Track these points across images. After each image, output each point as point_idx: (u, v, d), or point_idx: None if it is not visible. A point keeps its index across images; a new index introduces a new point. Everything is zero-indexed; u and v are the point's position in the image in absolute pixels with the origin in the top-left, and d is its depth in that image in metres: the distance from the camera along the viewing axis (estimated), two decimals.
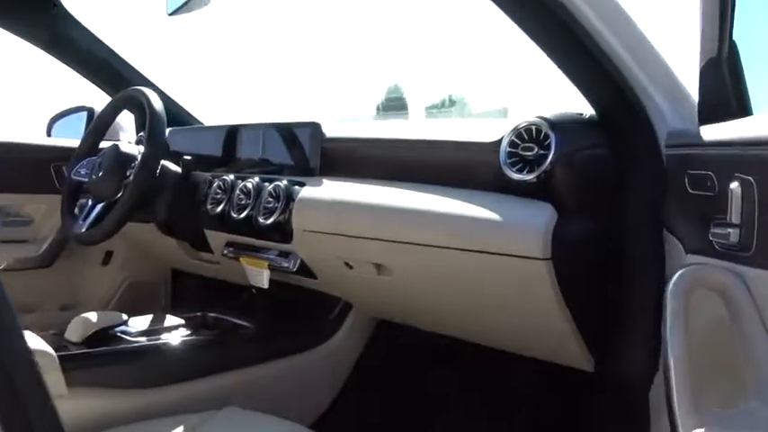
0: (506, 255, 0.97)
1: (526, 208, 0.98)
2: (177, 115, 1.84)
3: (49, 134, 2.00)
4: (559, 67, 0.96)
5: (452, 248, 1.03)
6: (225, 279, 1.71)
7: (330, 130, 1.38)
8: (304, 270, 1.33)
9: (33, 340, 1.04)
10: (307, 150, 1.39)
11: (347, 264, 1.23)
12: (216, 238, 1.52)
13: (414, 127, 1.35)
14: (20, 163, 1.73)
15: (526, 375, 1.33)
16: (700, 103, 0.94)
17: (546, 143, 0.97)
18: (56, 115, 2.01)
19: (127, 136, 1.92)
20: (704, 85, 0.94)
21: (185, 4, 1.27)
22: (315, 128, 1.37)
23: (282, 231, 1.30)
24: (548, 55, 0.94)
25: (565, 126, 0.99)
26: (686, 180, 0.86)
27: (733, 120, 0.87)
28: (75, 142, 1.72)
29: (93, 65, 1.77)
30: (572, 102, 1.06)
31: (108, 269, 1.88)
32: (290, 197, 1.29)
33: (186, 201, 1.55)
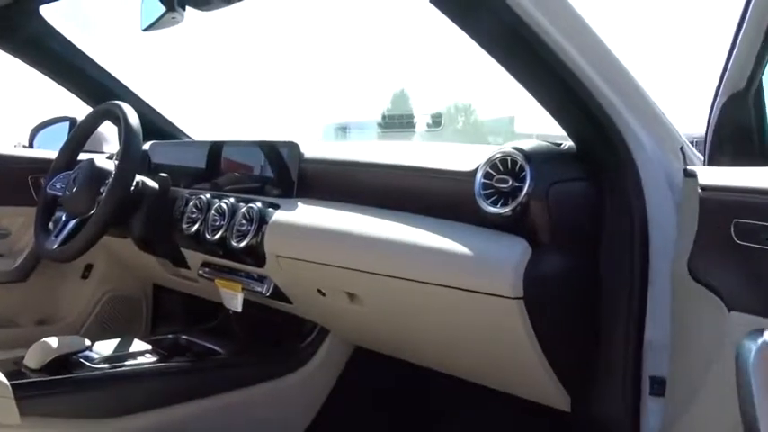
0: (476, 292, 0.93)
1: (498, 243, 0.94)
2: (162, 129, 1.81)
3: (31, 144, 1.97)
4: (536, 98, 0.92)
5: (422, 282, 0.99)
6: (204, 297, 1.68)
7: (309, 150, 1.34)
8: (278, 295, 1.30)
9: None
10: (284, 170, 1.35)
11: (320, 291, 1.19)
12: (192, 257, 1.48)
13: (395, 150, 1.31)
14: None
15: (502, 411, 1.28)
16: (712, 141, 0.90)
17: (521, 175, 0.94)
18: (38, 125, 1.98)
19: (110, 147, 1.89)
20: (721, 122, 0.89)
21: (157, 20, 1.24)
22: (293, 148, 1.34)
23: (255, 255, 1.26)
24: (523, 85, 0.91)
25: (540, 158, 0.95)
26: (732, 229, 0.77)
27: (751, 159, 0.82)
28: (53, 154, 1.69)
29: (75, 76, 1.74)
30: None
31: (87, 282, 1.84)
32: (262, 220, 1.25)
33: (163, 218, 1.51)
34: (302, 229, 1.19)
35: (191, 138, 1.89)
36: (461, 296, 0.94)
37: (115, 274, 1.87)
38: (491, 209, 0.95)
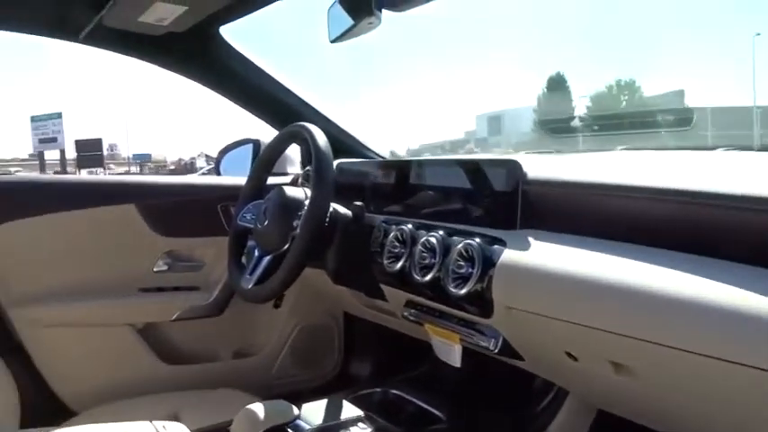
0: None
1: None
2: (349, 147, 1.65)
3: (217, 168, 1.92)
4: None
5: (733, 363, 0.69)
6: (404, 332, 1.49)
7: (532, 169, 1.08)
8: (507, 350, 1.06)
9: None
10: (503, 195, 1.11)
11: (570, 355, 0.93)
12: (394, 295, 1.30)
13: (650, 166, 1.01)
14: (189, 204, 1.64)
15: None
16: None
17: None
18: (223, 149, 1.93)
19: (295, 168, 1.78)
20: None
21: (350, 29, 1.06)
22: (513, 166, 1.08)
23: (479, 304, 1.03)
24: None
25: None
26: None
27: None
28: (240, 180, 1.61)
29: (256, 97, 1.63)
30: None
31: (279, 313, 1.75)
32: (487, 261, 1.01)
33: (358, 250, 1.35)
34: (542, 276, 0.93)
35: (382, 157, 1.72)
36: None
37: (306, 303, 1.76)
38: None
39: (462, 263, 1.05)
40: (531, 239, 1.00)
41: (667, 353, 0.76)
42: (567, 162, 1.30)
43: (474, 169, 1.19)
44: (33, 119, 24.94)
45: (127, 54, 1.55)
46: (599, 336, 0.85)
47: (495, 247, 1.02)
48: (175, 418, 1.31)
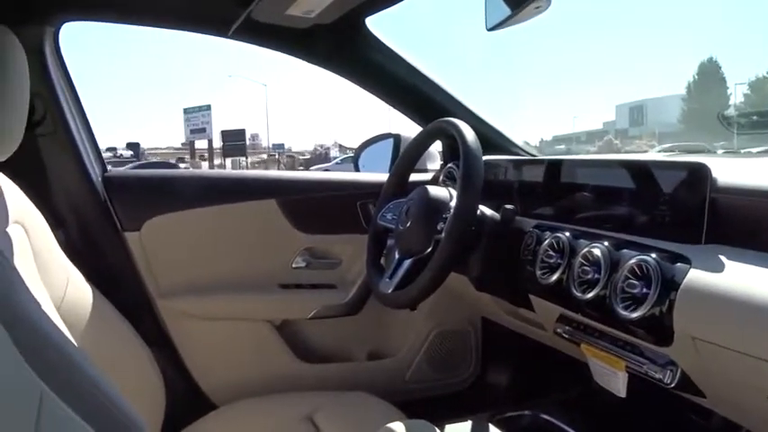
0: None
1: None
2: (496, 144, 1.54)
3: (356, 164, 1.88)
4: None
5: None
6: (549, 345, 1.37)
7: (723, 175, 0.92)
8: (686, 385, 0.90)
9: None
10: (685, 203, 0.95)
11: None
12: (545, 308, 1.18)
13: None
14: (328, 201, 1.62)
15: None
16: None
17: None
18: (363, 143, 1.89)
19: (435, 165, 1.70)
20: None
21: (511, 16, 0.95)
22: (699, 171, 0.93)
23: (656, 331, 0.89)
24: None
25: None
26: None
27: None
28: (381, 177, 1.55)
29: (402, 91, 1.57)
30: None
31: (415, 316, 1.67)
32: (668, 282, 0.87)
33: (506, 257, 1.24)
34: (739, 304, 0.77)
35: (532, 155, 1.59)
36: None
37: (444, 307, 1.68)
38: None
39: (635, 281, 0.91)
40: (722, 258, 0.84)
41: None
42: (757, 165, 1.11)
43: (647, 171, 1.04)
44: (186, 111, 27.08)
45: (274, 48, 1.55)
46: None
47: (678, 265, 0.87)
48: (311, 418, 1.28)
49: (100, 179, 1.43)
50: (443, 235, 1.16)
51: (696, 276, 0.84)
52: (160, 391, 1.24)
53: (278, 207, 1.55)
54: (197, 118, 26.65)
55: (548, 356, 1.46)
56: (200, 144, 28.14)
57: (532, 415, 1.12)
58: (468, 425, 1.04)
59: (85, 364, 0.58)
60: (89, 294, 1.14)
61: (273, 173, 2.09)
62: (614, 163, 1.14)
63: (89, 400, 0.54)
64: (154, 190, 1.50)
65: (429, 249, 1.22)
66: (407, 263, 1.26)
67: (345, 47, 1.51)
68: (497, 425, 1.04)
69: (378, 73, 1.55)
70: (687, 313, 0.83)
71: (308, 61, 1.55)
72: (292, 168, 28.37)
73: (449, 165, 1.59)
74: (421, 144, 1.38)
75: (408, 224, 1.25)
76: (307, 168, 26.57)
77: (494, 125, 1.58)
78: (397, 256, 1.30)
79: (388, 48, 1.51)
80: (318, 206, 1.60)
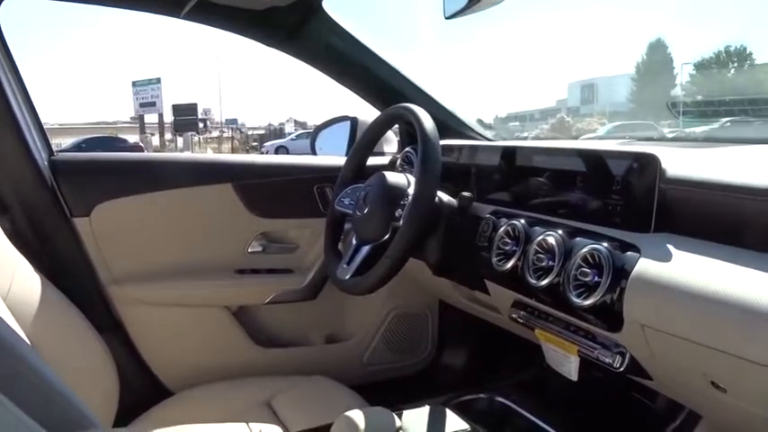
0: None
1: None
2: (452, 128, 1.55)
3: (312, 146, 1.86)
4: None
5: None
6: (504, 328, 1.40)
7: (672, 166, 0.94)
8: (634, 369, 0.94)
9: None
10: (635, 193, 0.98)
11: (716, 385, 0.81)
12: (501, 293, 1.20)
13: None
14: (285, 185, 1.60)
15: None
16: None
17: None
18: (319, 126, 1.87)
19: (392, 148, 1.70)
20: None
21: (469, 5, 0.95)
22: (649, 161, 0.95)
23: (607, 318, 0.92)
24: None
25: None
26: None
27: None
28: (338, 160, 1.54)
29: (359, 75, 1.55)
30: None
31: (373, 299, 1.69)
32: (619, 271, 0.90)
33: (463, 243, 1.26)
34: (687, 293, 0.80)
35: (488, 139, 1.60)
36: None
37: (402, 290, 1.69)
38: None
39: (587, 270, 0.94)
40: (670, 247, 0.87)
41: None
42: (703, 156, 1.15)
43: (600, 160, 1.06)
44: (135, 84, 26.26)
45: (228, 30, 1.51)
46: (759, 371, 0.72)
47: (629, 254, 0.90)
48: (268, 403, 1.28)
49: (46, 163, 1.37)
50: (402, 222, 1.17)
51: (645, 265, 0.87)
52: (114, 380, 1.22)
53: (233, 191, 1.52)
54: (146, 91, 25.89)
55: (502, 339, 1.49)
56: (151, 119, 27.37)
57: (488, 398, 1.15)
58: (425, 410, 1.05)
59: (30, 356, 0.56)
60: (37, 284, 1.10)
61: (229, 157, 2.05)
62: (569, 151, 1.16)
63: (33, 394, 0.53)
64: (104, 173, 1.46)
65: (387, 236, 1.22)
66: (365, 249, 1.26)
67: (302, 30, 1.48)
68: (454, 410, 1.06)
69: (335, 56, 1.53)
70: (636, 301, 0.86)
71: (265, 43, 1.52)
72: (246, 144, 27.90)
73: (406, 149, 1.59)
74: (378, 129, 1.37)
75: (366, 211, 1.25)
76: (261, 144, 26.18)
77: (450, 109, 1.59)
78: (354, 242, 1.30)
79: (345, 31, 1.49)
80: (275, 190, 1.58)
